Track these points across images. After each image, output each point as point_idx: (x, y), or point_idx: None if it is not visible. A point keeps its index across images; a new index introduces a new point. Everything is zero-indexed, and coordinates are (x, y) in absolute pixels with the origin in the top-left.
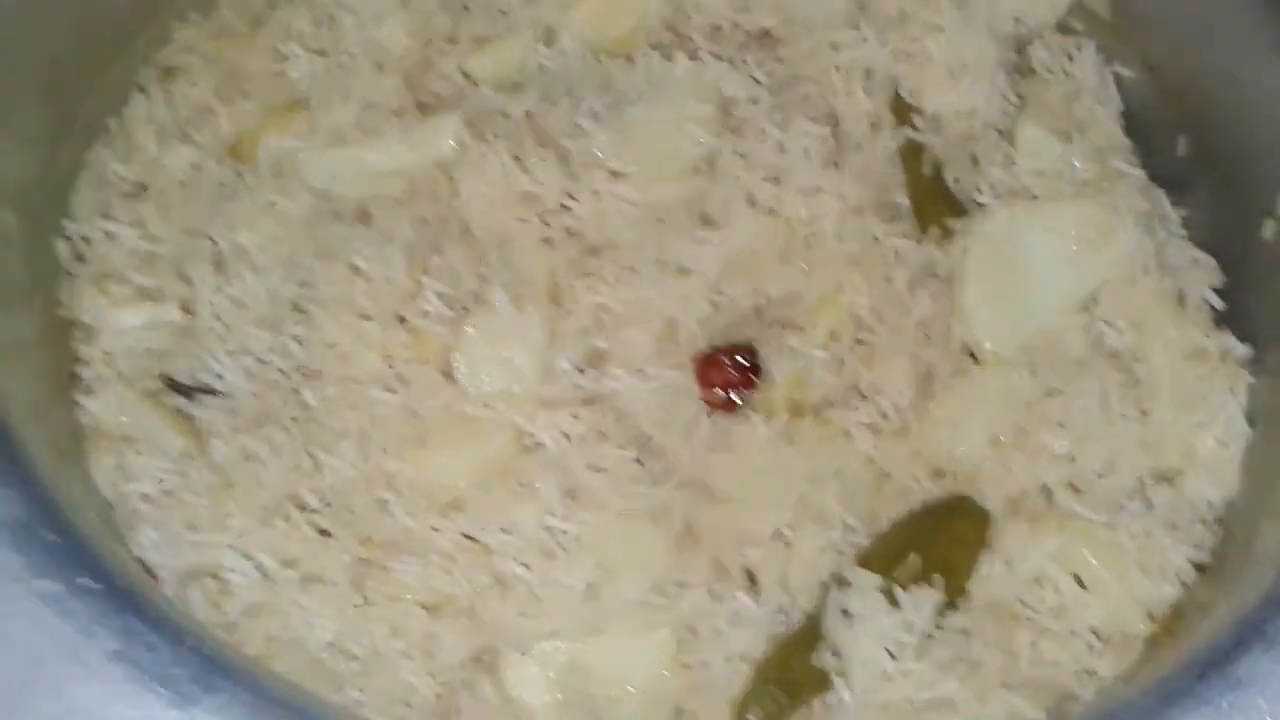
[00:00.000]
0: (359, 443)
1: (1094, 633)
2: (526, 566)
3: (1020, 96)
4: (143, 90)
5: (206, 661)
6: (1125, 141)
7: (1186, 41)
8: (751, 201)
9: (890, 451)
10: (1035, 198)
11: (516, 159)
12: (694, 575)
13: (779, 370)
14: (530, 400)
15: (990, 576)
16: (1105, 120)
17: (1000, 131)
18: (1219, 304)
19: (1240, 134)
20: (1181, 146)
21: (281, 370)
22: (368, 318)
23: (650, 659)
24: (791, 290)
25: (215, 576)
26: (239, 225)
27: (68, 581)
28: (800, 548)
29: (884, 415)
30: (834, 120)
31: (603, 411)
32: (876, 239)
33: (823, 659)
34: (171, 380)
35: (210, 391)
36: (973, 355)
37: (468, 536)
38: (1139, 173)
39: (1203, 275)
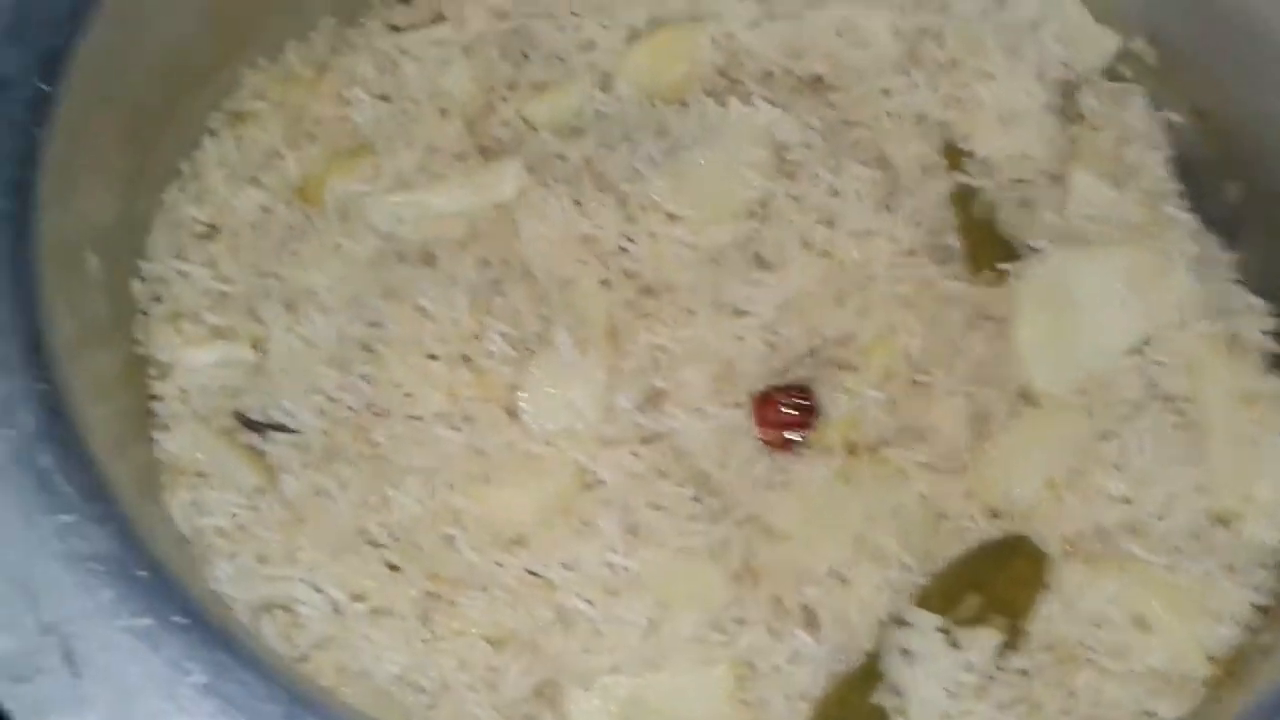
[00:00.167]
0: (426, 479)
1: (1155, 674)
2: (589, 602)
3: (1071, 141)
4: (213, 134)
5: (296, 697)
6: (1175, 186)
7: (1234, 86)
8: (805, 244)
9: (946, 491)
10: (1088, 242)
11: (576, 202)
12: (753, 612)
13: (835, 410)
14: (592, 439)
15: (1050, 617)
16: (1155, 165)
17: (1052, 176)
18: (1274, 347)
19: None
20: (1232, 191)
21: (351, 408)
22: (434, 357)
23: (710, 695)
24: (846, 331)
25: (287, 609)
26: (307, 266)
27: (158, 616)
28: (858, 586)
29: (940, 456)
30: (885, 164)
31: (662, 450)
32: (929, 281)
33: (882, 698)
34: (244, 417)
35: (282, 428)
36: (1027, 397)
37: (531, 572)
38: (1190, 218)
39: (1256, 319)
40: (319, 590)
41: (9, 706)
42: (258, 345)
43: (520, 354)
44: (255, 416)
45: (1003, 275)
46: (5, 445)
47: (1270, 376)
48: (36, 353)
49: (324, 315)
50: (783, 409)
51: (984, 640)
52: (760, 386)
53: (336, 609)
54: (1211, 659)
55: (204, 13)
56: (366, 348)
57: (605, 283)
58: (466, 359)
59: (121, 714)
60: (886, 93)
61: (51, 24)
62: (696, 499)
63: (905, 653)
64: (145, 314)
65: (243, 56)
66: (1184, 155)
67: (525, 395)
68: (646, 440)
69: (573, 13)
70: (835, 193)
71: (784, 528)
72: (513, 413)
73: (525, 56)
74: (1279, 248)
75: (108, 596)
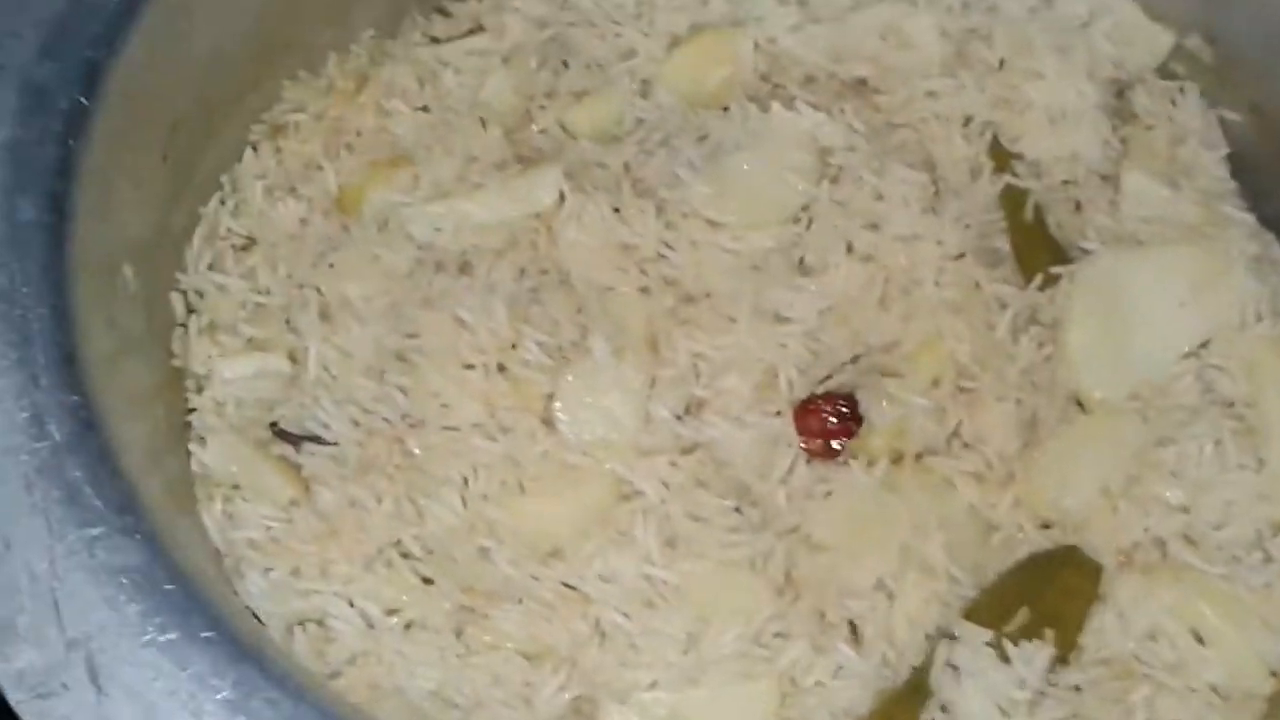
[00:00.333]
0: (461, 491)
1: (1213, 689)
2: (626, 616)
3: (1123, 141)
4: (254, 147)
5: (326, 714)
6: (1232, 185)
7: None
8: (850, 249)
9: (995, 501)
10: (1142, 243)
11: (615, 210)
12: (795, 626)
13: (879, 418)
14: (629, 448)
15: (1103, 630)
16: (1211, 165)
17: (1103, 177)
18: None
19: None
20: None
21: (386, 419)
22: (470, 367)
23: (751, 712)
24: (891, 337)
25: (320, 624)
26: (345, 277)
27: (186, 631)
28: (904, 599)
29: (988, 464)
30: (931, 167)
31: (701, 460)
32: (978, 285)
33: (930, 715)
34: (279, 429)
35: (317, 440)
36: (1079, 403)
37: (568, 585)
38: (1249, 217)
39: None
40: (352, 604)
41: None
42: (294, 357)
43: (557, 363)
44: (290, 428)
45: (1053, 278)
46: (34, 458)
47: None
48: (69, 365)
49: (360, 326)
50: (826, 417)
51: (1035, 654)
52: (802, 394)
53: (369, 623)
54: (1274, 674)
55: (245, 26)
56: (402, 358)
57: (644, 290)
58: (503, 368)
59: None
60: (932, 94)
61: (90, 37)
62: (737, 509)
63: (953, 668)
64: (183, 327)
65: (283, 69)
66: (1240, 153)
67: (562, 405)
68: (686, 450)
69: (613, 20)
70: (880, 196)
71: (827, 539)
72: (549, 422)
73: (565, 65)
74: None
75: (134, 610)
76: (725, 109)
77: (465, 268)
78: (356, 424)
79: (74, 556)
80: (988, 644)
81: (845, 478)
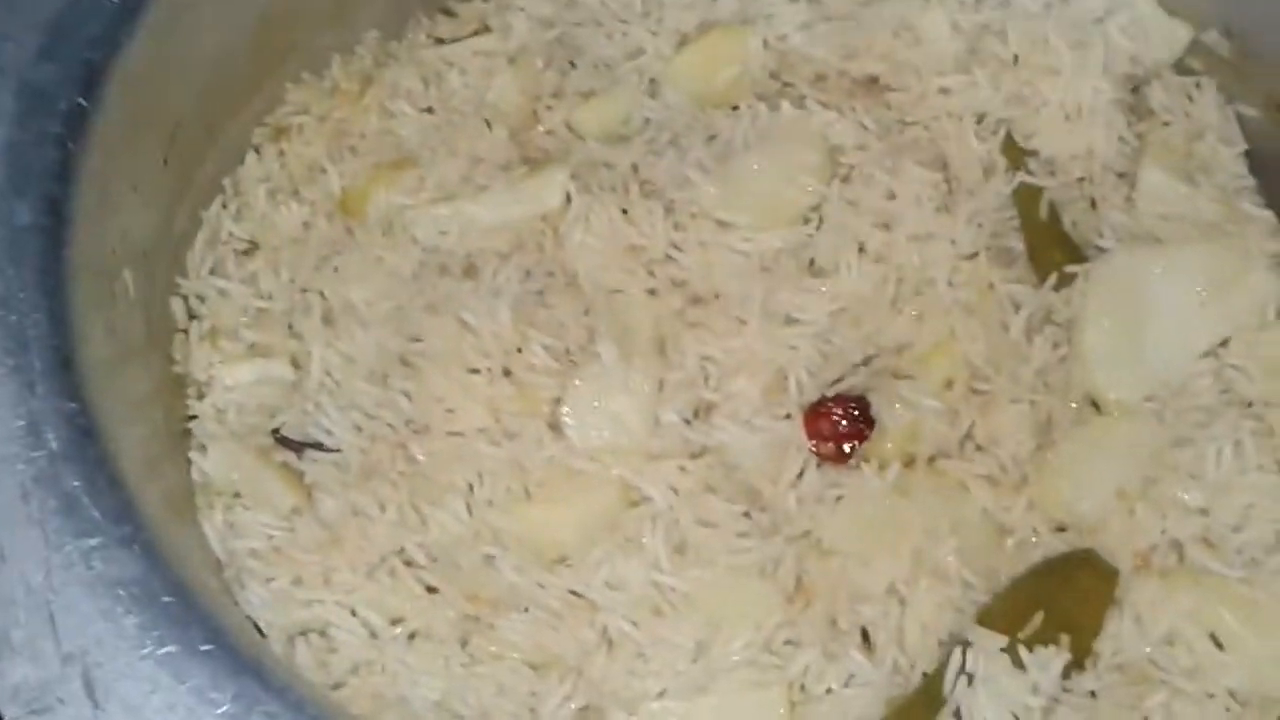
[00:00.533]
0: (466, 497)
1: (1232, 695)
2: (634, 624)
3: (1139, 137)
4: (256, 150)
5: None
6: (1251, 181)
7: None
8: (861, 249)
9: (1008, 504)
10: (1159, 241)
11: (623, 211)
12: (806, 633)
13: (891, 420)
14: (637, 453)
15: (1119, 635)
16: (1229, 161)
17: (1119, 174)
18: None
19: None
20: None
21: (390, 425)
22: (475, 371)
23: None
24: (903, 339)
25: (322, 634)
26: (348, 281)
27: (184, 644)
28: (917, 604)
29: (1002, 467)
30: (944, 165)
31: (710, 464)
32: (991, 285)
33: None
34: (281, 436)
35: (319, 447)
36: (1095, 404)
37: (574, 593)
38: (1268, 214)
39: None
40: (355, 614)
41: None
42: (296, 362)
43: (564, 366)
44: (292, 435)
45: (1068, 278)
46: (31, 467)
47: None
48: (66, 371)
49: (364, 330)
50: (837, 420)
51: (1050, 660)
52: (813, 397)
53: (373, 633)
54: None
55: (247, 27)
56: (406, 363)
57: (652, 292)
58: (508, 373)
59: None
60: (945, 92)
61: (90, 38)
62: (747, 515)
63: (967, 675)
64: (183, 332)
65: (286, 71)
66: (1258, 149)
67: (569, 410)
68: (695, 454)
69: (620, 19)
70: (892, 195)
71: (838, 544)
72: (556, 427)
73: (572, 65)
74: None
75: (132, 623)
76: (734, 108)
77: (470, 270)
78: (359, 430)
79: (71, 568)
80: (1002, 650)
81: (856, 482)
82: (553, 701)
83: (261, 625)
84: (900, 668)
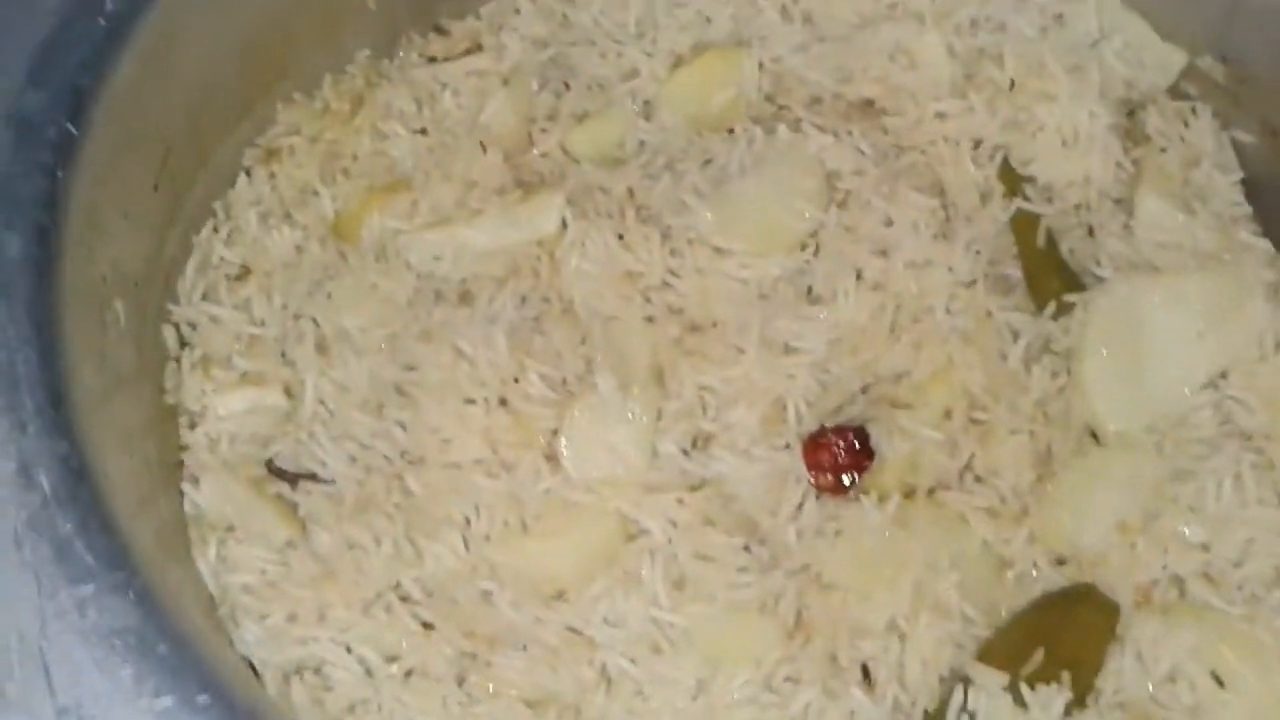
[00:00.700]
0: (462, 531)
1: None
2: (633, 661)
3: (1135, 163)
4: (247, 172)
5: None
6: (1247, 209)
7: None
8: (859, 276)
9: (1008, 536)
10: (1157, 270)
11: (619, 236)
12: (806, 670)
13: (890, 451)
14: (635, 485)
15: (1121, 672)
16: (1225, 188)
17: (1116, 200)
18: None
19: None
20: None
21: (385, 456)
22: (471, 401)
23: None
24: (901, 367)
25: (317, 672)
26: (342, 307)
27: (181, 695)
28: (917, 640)
29: (1001, 498)
30: (941, 191)
31: (709, 496)
32: (989, 313)
33: None
34: (275, 467)
35: (313, 478)
36: (1094, 435)
37: (572, 629)
38: (1265, 243)
39: None
40: (350, 651)
41: None
42: (290, 391)
43: (561, 396)
44: (286, 466)
45: (1066, 306)
46: (24, 511)
47: None
48: (57, 409)
49: (358, 358)
50: (836, 452)
51: (1052, 699)
52: (811, 427)
53: (368, 670)
54: None
55: (237, 48)
56: (401, 392)
57: (650, 319)
58: (505, 402)
59: None
60: (942, 116)
61: (78, 63)
62: (746, 548)
63: (969, 713)
64: (175, 361)
65: (277, 92)
66: (1254, 176)
67: (566, 440)
68: (693, 487)
69: (614, 39)
70: (889, 222)
71: (838, 578)
72: (553, 459)
73: (566, 86)
74: None
75: (128, 674)
76: (730, 131)
77: (465, 297)
78: (354, 461)
79: (65, 616)
80: (1004, 688)
81: (856, 514)
82: None
83: (256, 664)
84: (901, 705)
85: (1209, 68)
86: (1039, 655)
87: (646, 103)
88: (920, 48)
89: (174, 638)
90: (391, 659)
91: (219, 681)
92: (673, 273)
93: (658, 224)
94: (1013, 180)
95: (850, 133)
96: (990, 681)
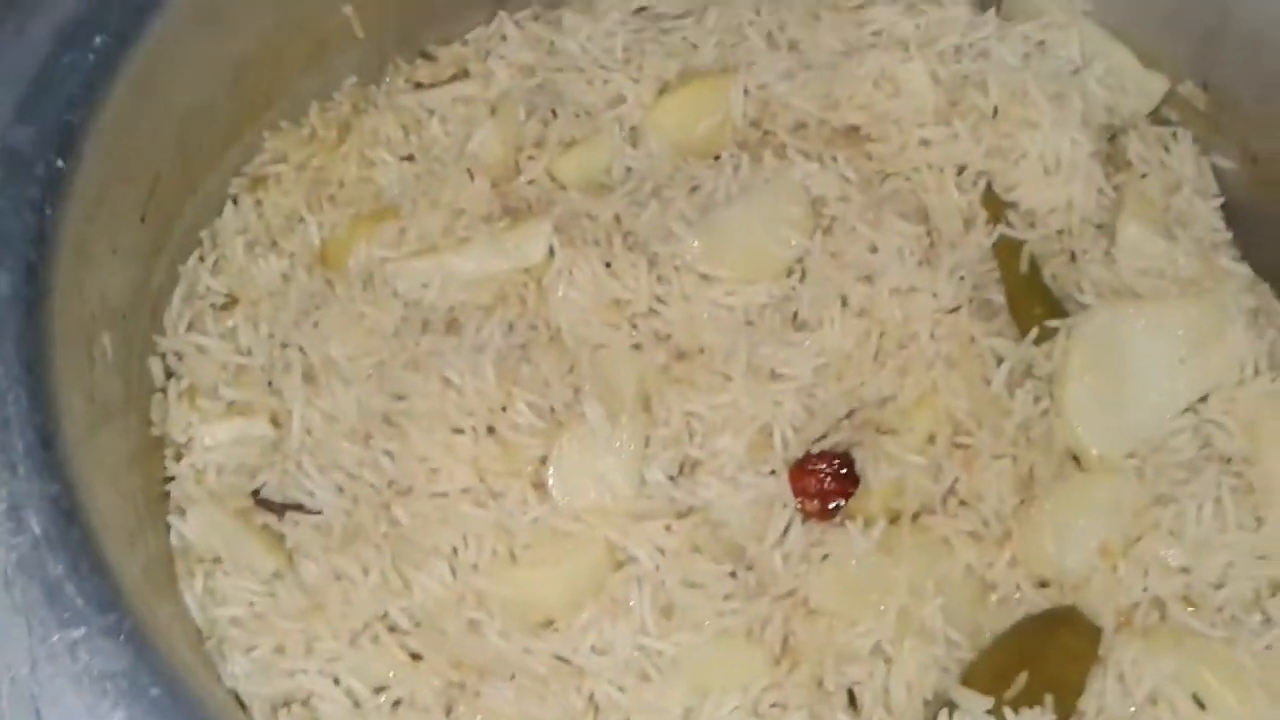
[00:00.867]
0: (450, 560)
1: None
2: (621, 689)
3: (1116, 189)
4: (234, 200)
5: None
6: (1227, 235)
7: None
8: (844, 303)
9: (992, 560)
10: (1138, 296)
11: (606, 264)
12: (793, 695)
13: (875, 476)
14: (623, 514)
15: (1103, 694)
16: (1206, 214)
17: (1098, 226)
18: None
19: None
20: None
21: (372, 485)
22: (459, 431)
23: None
24: (886, 392)
25: (305, 704)
26: (329, 336)
27: None
28: (902, 664)
29: (984, 522)
30: (925, 217)
31: (696, 523)
32: (973, 339)
33: None
34: (262, 498)
35: (300, 509)
36: (1076, 459)
37: (561, 659)
38: (1244, 268)
39: None
40: (338, 682)
41: None
42: (276, 421)
43: (549, 425)
44: (273, 496)
45: (1049, 332)
46: (14, 553)
47: None
48: (47, 450)
49: (345, 388)
50: (822, 478)
51: None
52: (798, 453)
53: (356, 702)
54: None
55: (226, 76)
56: (389, 421)
57: (637, 347)
58: (493, 431)
59: None
60: (926, 143)
61: (67, 98)
62: (733, 574)
63: None
64: (161, 392)
65: (264, 119)
66: (1233, 201)
67: (554, 469)
68: (681, 514)
69: (601, 65)
70: (874, 248)
71: (824, 604)
72: (541, 487)
73: (553, 113)
74: None
75: (120, 718)
76: (716, 157)
77: (453, 325)
78: (341, 491)
79: (56, 660)
80: (988, 712)
81: (842, 539)
82: None
83: (244, 698)
84: None
85: (1190, 94)
86: (1022, 678)
87: (633, 129)
88: (905, 75)
89: (166, 680)
90: (379, 690)
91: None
92: (660, 300)
93: (645, 251)
94: (996, 206)
95: (835, 159)
96: (974, 705)
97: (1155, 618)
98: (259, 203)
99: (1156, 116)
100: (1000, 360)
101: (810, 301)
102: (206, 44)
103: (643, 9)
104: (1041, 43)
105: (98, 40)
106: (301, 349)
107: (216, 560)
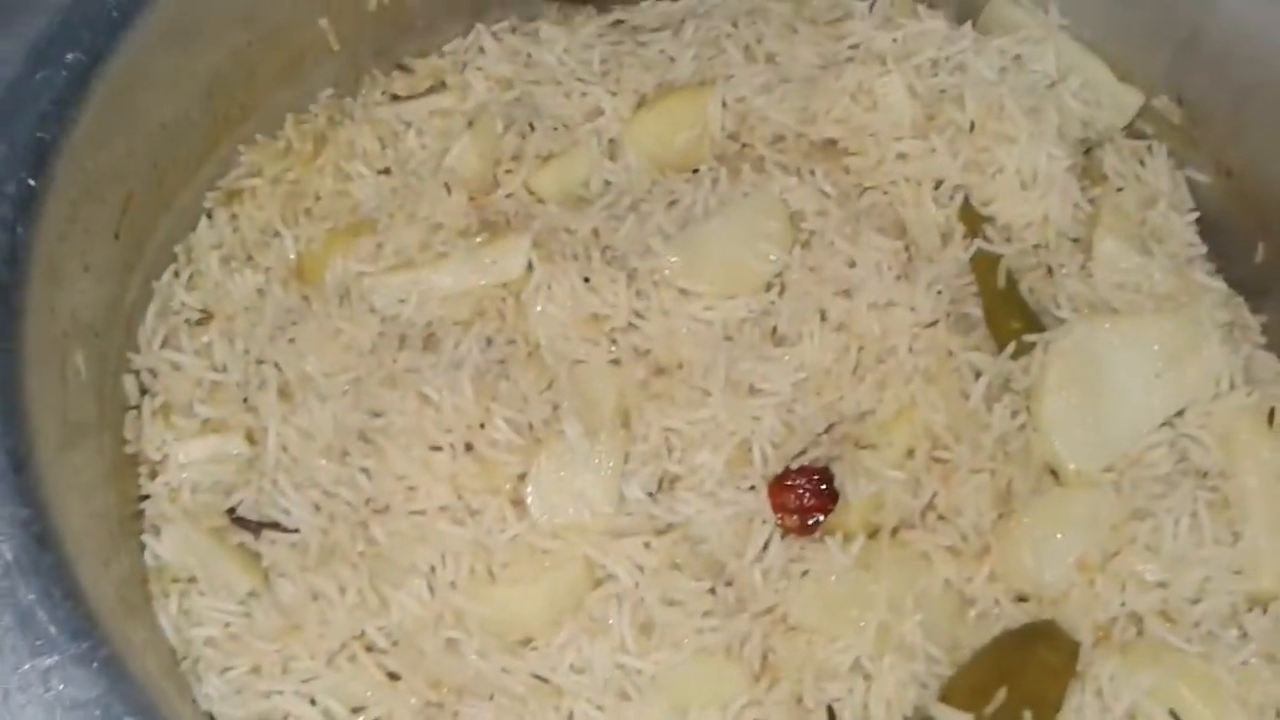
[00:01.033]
0: (428, 579)
1: None
2: (600, 709)
3: (1092, 203)
4: (208, 215)
5: None
6: (1202, 249)
7: (1265, 145)
8: (823, 317)
9: (970, 574)
10: (1115, 311)
11: (585, 279)
12: (773, 713)
13: (854, 491)
14: (602, 531)
15: (1081, 709)
16: (1181, 228)
17: (1074, 240)
18: None
19: None
20: (1260, 253)
21: (349, 503)
22: (437, 448)
23: None
24: (865, 407)
25: None
26: (305, 352)
27: None
28: (881, 680)
29: (963, 536)
30: (903, 231)
31: (676, 540)
32: (951, 353)
33: None
34: (237, 516)
35: (276, 527)
36: (1054, 473)
37: (540, 677)
38: (1219, 283)
39: None
40: (314, 703)
41: None
42: (252, 438)
43: (527, 442)
44: (249, 515)
45: (1026, 346)
46: None
47: None
48: (19, 473)
49: (322, 404)
50: (802, 494)
51: None
52: (777, 468)
53: None
54: None
55: (199, 90)
56: (366, 439)
57: (615, 362)
58: (471, 448)
59: None
60: (903, 157)
61: (39, 116)
62: (712, 591)
63: None
64: (135, 410)
65: (239, 133)
66: (1208, 215)
67: (532, 487)
68: (660, 531)
69: (578, 78)
70: (852, 263)
71: (804, 620)
72: (519, 505)
73: (531, 127)
74: None
75: None
76: (694, 171)
77: (430, 341)
78: (318, 509)
79: (29, 689)
80: None
81: (821, 555)
82: None
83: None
84: None
85: (1164, 108)
86: (1001, 694)
87: (611, 142)
88: (882, 88)
89: (139, 708)
90: (357, 710)
91: None
92: (638, 315)
93: (623, 266)
94: (973, 220)
95: (813, 172)
96: None
97: (1133, 633)
98: (234, 217)
99: (1132, 130)
100: (978, 374)
101: (789, 316)
102: (179, 59)
103: (620, 22)
104: (1018, 57)
105: (69, 57)
106: (277, 365)
107: (191, 580)
